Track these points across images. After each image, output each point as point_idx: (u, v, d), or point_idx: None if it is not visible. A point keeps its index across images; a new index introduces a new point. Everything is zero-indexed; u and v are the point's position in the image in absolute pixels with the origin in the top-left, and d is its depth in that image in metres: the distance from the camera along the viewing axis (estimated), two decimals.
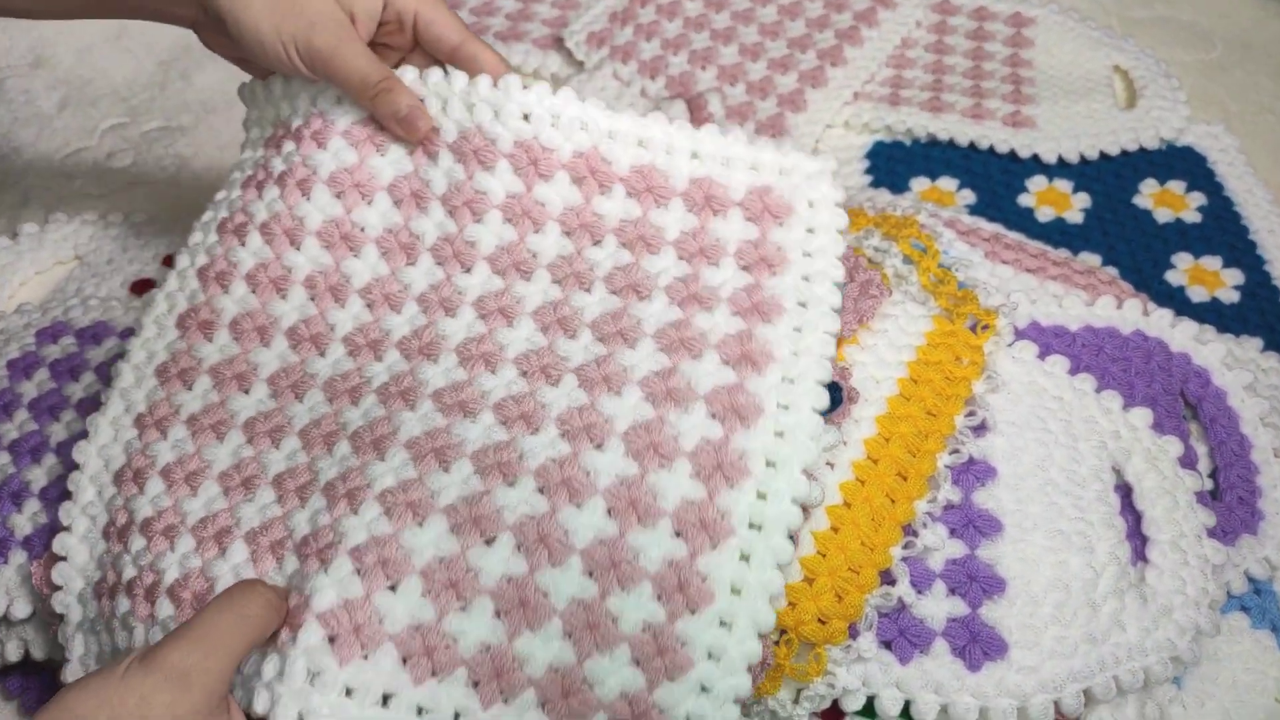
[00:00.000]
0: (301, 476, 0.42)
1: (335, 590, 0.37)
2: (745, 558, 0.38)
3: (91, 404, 0.50)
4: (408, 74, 0.46)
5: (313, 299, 0.46)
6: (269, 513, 0.41)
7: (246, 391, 0.44)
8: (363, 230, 0.46)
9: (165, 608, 0.40)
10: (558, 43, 0.74)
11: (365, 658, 0.37)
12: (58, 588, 0.43)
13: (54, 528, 0.45)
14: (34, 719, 0.33)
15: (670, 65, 0.70)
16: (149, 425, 0.44)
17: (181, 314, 0.47)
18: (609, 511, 0.39)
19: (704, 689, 0.36)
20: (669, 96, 0.68)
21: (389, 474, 0.40)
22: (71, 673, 0.42)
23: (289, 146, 0.48)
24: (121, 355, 0.47)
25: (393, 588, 0.38)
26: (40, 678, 0.48)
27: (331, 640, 0.37)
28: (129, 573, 0.41)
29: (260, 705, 0.36)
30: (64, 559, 0.44)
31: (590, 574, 0.38)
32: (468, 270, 0.45)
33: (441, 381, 0.42)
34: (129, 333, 0.54)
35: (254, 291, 0.46)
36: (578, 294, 0.44)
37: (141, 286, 0.60)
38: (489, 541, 0.38)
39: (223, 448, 0.43)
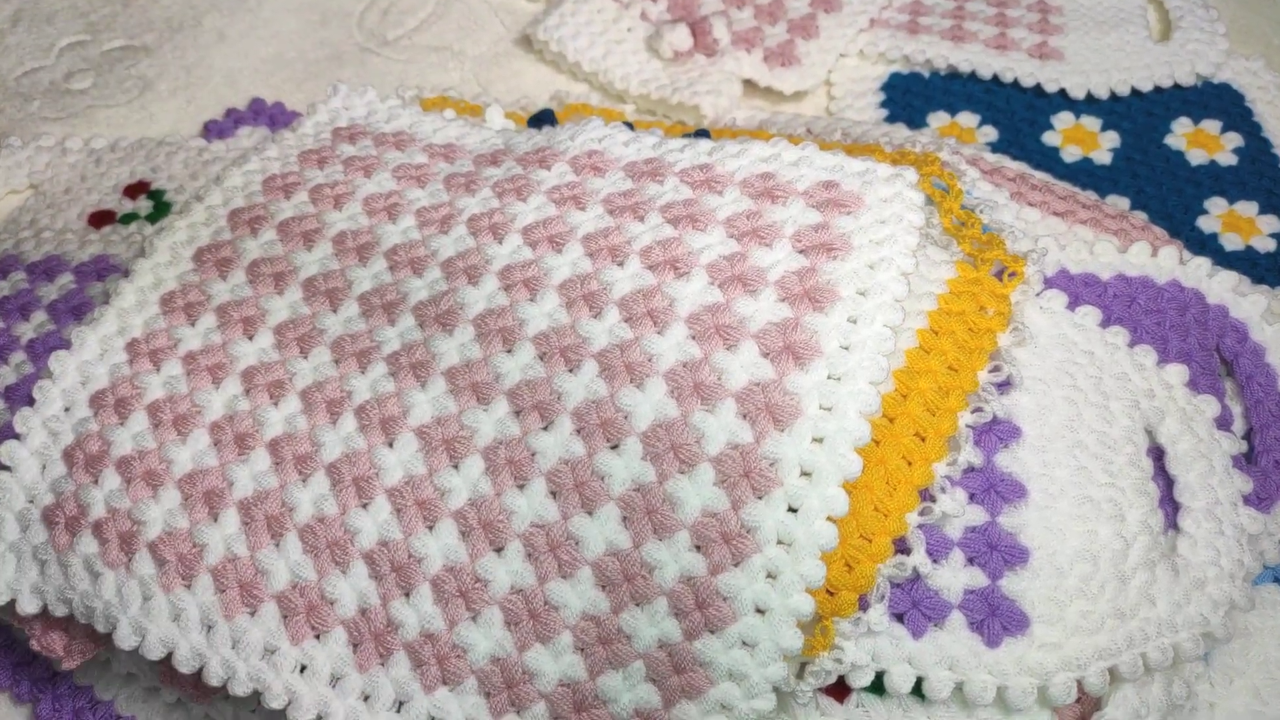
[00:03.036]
0: (301, 445, 0.40)
1: (355, 598, 0.38)
2: (772, 576, 0.35)
3: (43, 345, 0.47)
4: None
5: (337, 255, 0.44)
6: (265, 481, 0.39)
7: (251, 337, 0.42)
8: (409, 202, 0.45)
9: (145, 564, 0.38)
10: None
11: (382, 664, 0.37)
12: None
13: None
14: None
15: None
16: (142, 354, 0.43)
17: (201, 248, 0.45)
18: (623, 521, 0.36)
19: (723, 707, 0.35)
20: (671, 20, 0.63)
21: (398, 466, 0.39)
22: None
23: (365, 142, 0.48)
24: (81, 290, 0.44)
25: (406, 594, 0.37)
26: (31, 668, 0.45)
27: (355, 647, 0.37)
28: (98, 511, 0.39)
29: (278, 703, 0.37)
30: (8, 469, 0.41)
31: (603, 587, 0.36)
32: (499, 241, 0.42)
33: (456, 358, 0.40)
34: (84, 268, 0.50)
35: (281, 240, 0.45)
36: (610, 268, 0.40)
37: (100, 218, 0.56)
38: (498, 550, 0.37)
39: (218, 394, 0.41)
